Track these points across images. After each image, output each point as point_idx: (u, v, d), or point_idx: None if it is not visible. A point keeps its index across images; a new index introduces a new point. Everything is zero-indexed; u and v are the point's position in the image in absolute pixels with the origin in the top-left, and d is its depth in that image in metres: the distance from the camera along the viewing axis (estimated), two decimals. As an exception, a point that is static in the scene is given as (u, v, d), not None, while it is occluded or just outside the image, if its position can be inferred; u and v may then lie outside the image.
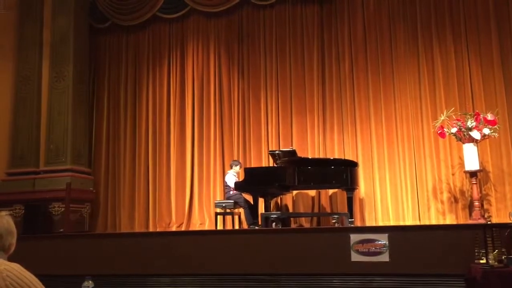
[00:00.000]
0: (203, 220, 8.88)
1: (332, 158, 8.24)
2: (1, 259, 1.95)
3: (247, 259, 5.99)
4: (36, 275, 1.95)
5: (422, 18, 8.37)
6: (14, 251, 2.12)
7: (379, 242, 5.54)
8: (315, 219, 8.38)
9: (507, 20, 7.91)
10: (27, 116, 9.20)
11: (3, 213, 2.14)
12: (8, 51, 9.54)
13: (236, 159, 8.72)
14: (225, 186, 8.25)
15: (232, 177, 8.11)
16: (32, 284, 1.88)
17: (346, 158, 8.25)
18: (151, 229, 9.05)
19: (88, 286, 3.36)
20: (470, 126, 7.05)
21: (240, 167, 8.31)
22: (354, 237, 5.64)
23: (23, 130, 9.19)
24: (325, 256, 5.73)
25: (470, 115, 7.23)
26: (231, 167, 8.35)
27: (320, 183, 7.55)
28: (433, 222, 7.69)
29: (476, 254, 4.88)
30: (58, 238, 7.48)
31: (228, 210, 8.05)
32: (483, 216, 6.98)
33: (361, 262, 5.55)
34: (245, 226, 8.12)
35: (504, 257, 4.57)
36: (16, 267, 1.91)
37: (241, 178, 8.06)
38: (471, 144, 7.07)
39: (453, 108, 7.61)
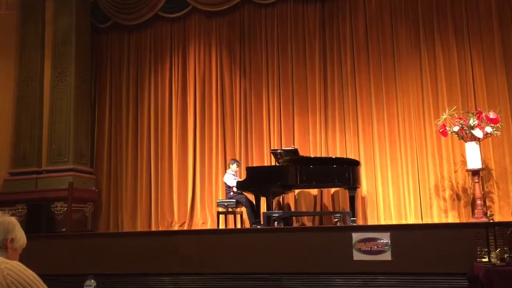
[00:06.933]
0: (205, 219, 8.89)
1: (334, 157, 8.23)
2: (1, 258, 1.95)
3: (249, 258, 5.99)
4: (39, 274, 1.95)
5: (424, 16, 8.36)
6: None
7: (381, 241, 5.53)
8: (317, 218, 8.38)
9: (510, 17, 7.89)
10: (29, 116, 9.21)
11: None
12: (10, 51, 9.55)
13: (237, 158, 8.72)
14: (226, 187, 8.25)
15: (231, 177, 8.11)
16: (33, 282, 1.88)
17: (348, 157, 8.24)
18: (153, 228, 9.06)
19: (90, 285, 3.36)
20: (472, 125, 7.04)
21: (238, 165, 8.30)
22: (356, 236, 5.63)
23: (26, 130, 9.20)
24: (327, 255, 5.73)
25: (472, 113, 7.22)
26: (228, 166, 8.36)
27: (322, 182, 7.55)
28: (435, 219, 7.70)
29: (479, 252, 4.86)
30: (60, 238, 7.48)
31: (230, 209, 8.06)
32: (485, 215, 6.97)
33: (363, 261, 5.54)
34: (247, 225, 8.13)
35: (507, 256, 4.54)
36: (16, 265, 1.91)
37: (242, 177, 8.07)
38: (473, 143, 7.06)
39: (455, 107, 7.60)
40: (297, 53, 8.95)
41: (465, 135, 7.13)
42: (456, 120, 7.26)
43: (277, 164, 7.88)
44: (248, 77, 9.19)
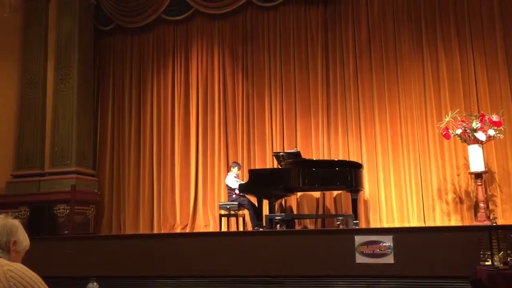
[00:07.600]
0: (208, 222, 8.89)
1: (336, 159, 8.23)
2: (4, 260, 1.95)
3: (251, 261, 5.99)
4: (41, 277, 1.95)
5: (427, 19, 8.35)
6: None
7: (384, 244, 5.52)
8: (319, 220, 8.37)
9: (512, 20, 7.89)
10: (32, 118, 9.24)
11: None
12: (14, 53, 9.59)
13: (239, 160, 8.73)
14: (228, 189, 8.25)
15: (233, 179, 8.11)
16: (36, 284, 1.88)
17: (351, 159, 8.23)
18: (155, 231, 9.07)
19: (93, 288, 3.36)
20: (475, 127, 7.02)
21: (239, 169, 8.32)
22: (358, 239, 5.62)
23: (28, 132, 9.22)
24: (330, 258, 5.72)
25: (475, 116, 7.19)
26: (230, 169, 8.37)
27: (325, 185, 7.54)
28: (438, 223, 7.67)
29: (482, 256, 4.85)
30: (63, 240, 7.49)
31: (232, 212, 8.05)
32: (488, 218, 6.94)
33: (366, 264, 5.53)
34: (249, 227, 8.12)
35: (510, 259, 4.54)
36: (19, 267, 1.91)
37: (244, 179, 8.07)
38: (476, 146, 7.04)
39: (458, 109, 7.58)
40: (299, 55, 8.96)
41: (468, 138, 7.11)
42: (459, 123, 7.25)
43: (279, 166, 7.88)
44: (251, 80, 9.20)
